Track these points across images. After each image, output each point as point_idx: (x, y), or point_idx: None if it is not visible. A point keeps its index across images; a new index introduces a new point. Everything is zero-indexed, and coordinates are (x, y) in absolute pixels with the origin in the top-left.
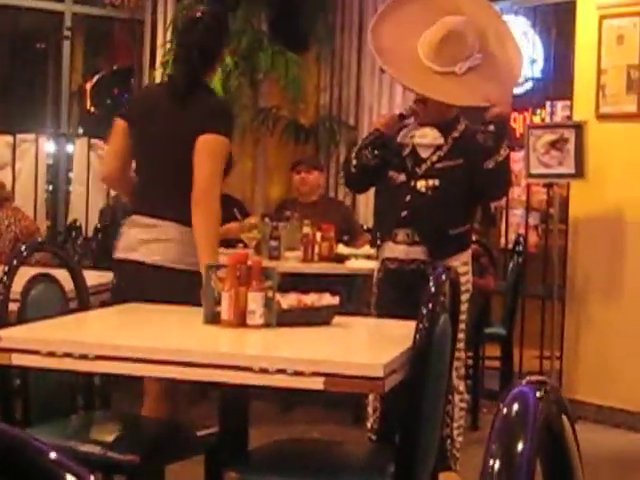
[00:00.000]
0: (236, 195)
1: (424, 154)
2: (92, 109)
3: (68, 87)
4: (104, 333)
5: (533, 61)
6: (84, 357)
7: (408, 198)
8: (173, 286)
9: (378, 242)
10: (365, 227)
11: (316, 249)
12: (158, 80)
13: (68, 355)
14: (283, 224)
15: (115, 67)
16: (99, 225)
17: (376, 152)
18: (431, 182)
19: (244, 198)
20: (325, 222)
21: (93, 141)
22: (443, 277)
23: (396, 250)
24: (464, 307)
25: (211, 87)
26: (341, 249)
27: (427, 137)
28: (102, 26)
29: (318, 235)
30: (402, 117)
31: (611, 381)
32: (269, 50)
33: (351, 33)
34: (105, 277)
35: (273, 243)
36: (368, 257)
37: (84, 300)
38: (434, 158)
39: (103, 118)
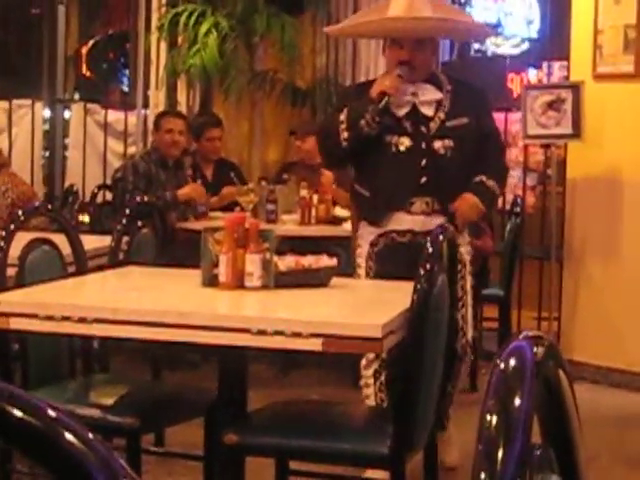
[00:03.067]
0: (233, 159)
1: (428, 112)
2: (88, 74)
3: (64, 52)
4: (102, 296)
5: (530, 21)
6: (82, 320)
7: (424, 162)
8: None
9: (373, 217)
10: None
11: (313, 212)
12: (154, 44)
13: (66, 319)
14: (280, 187)
15: (110, 32)
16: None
17: (378, 119)
18: (447, 142)
19: (241, 162)
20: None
21: (89, 106)
22: (440, 237)
23: (408, 221)
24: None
25: None
26: (338, 211)
27: (428, 93)
28: None
29: (315, 198)
30: (400, 78)
31: (609, 341)
32: (265, 13)
33: None
34: (103, 241)
35: (270, 206)
36: None
37: (82, 264)
38: (441, 115)
39: (99, 83)
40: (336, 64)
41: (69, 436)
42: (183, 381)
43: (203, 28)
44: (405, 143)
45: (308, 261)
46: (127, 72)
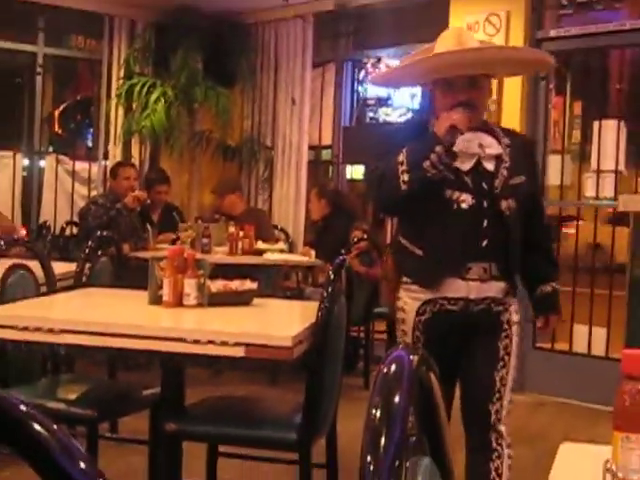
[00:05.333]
0: (176, 202)
1: (490, 167)
2: (60, 131)
3: (40, 113)
4: (68, 312)
5: (413, 95)
6: (51, 331)
7: (485, 223)
8: None
9: (425, 281)
10: (279, 227)
11: (239, 245)
12: (113, 109)
13: (38, 329)
14: (213, 225)
15: (79, 97)
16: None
17: (447, 161)
18: (511, 202)
19: (182, 205)
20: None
21: (60, 157)
22: (341, 265)
23: (463, 288)
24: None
25: None
26: (260, 245)
27: (492, 146)
28: (68, 64)
29: (241, 233)
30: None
31: None
32: (203, 85)
33: (269, 71)
34: (69, 267)
35: (205, 240)
36: (281, 251)
37: (52, 285)
38: (504, 172)
39: (68, 139)
40: (259, 127)
41: (36, 426)
42: (134, 380)
43: (153, 96)
44: (467, 200)
45: (235, 284)
46: (91, 130)
